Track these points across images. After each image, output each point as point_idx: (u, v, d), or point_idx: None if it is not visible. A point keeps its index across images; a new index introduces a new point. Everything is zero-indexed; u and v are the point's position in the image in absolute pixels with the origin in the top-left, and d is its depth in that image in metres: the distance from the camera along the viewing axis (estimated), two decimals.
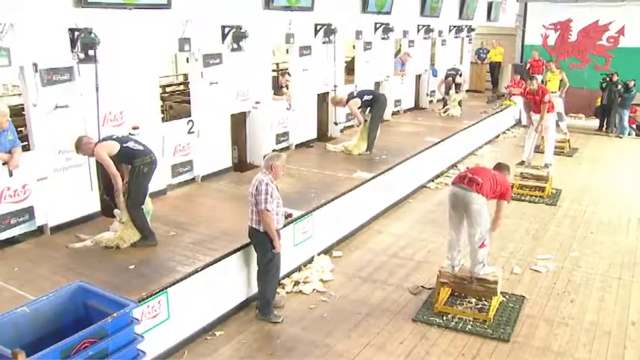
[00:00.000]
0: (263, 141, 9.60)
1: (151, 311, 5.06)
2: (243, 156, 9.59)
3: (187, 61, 8.64)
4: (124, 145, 6.06)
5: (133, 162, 6.00)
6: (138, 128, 7.18)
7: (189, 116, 8.38)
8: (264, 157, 9.19)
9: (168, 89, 12.90)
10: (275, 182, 5.78)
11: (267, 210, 5.63)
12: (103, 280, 5.21)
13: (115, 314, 4.05)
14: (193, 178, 8.45)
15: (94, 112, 6.69)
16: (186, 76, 12.92)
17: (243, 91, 9.10)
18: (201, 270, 5.60)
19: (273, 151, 9.97)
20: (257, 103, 9.39)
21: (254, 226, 5.78)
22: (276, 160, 5.77)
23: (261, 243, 5.82)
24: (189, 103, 8.69)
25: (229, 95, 8.83)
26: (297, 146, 10.66)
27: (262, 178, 5.69)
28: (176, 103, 10.68)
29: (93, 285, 4.50)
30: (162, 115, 9.14)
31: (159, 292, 5.15)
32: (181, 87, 13.18)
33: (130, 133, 6.94)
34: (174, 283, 5.32)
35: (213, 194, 8.04)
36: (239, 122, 9.38)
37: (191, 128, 8.30)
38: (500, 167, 6.43)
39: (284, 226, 6.18)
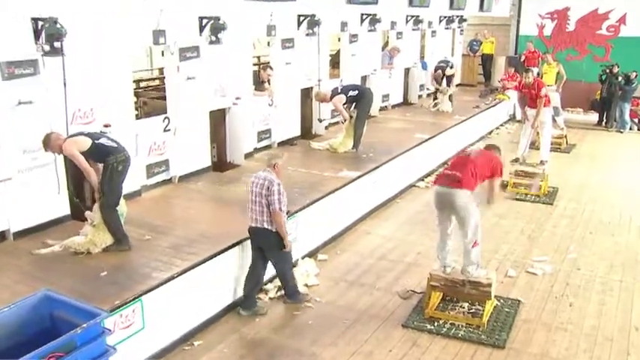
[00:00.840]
0: (244, 139, 9.57)
1: (124, 321, 4.99)
2: (223, 155, 9.55)
3: (162, 55, 8.57)
4: (97, 141, 5.98)
5: (107, 159, 5.91)
6: (110, 126, 7.10)
7: (165, 113, 8.32)
8: (244, 156, 9.28)
9: (142, 84, 12.80)
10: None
11: (282, 210, 5.93)
12: (72, 289, 5.13)
13: (84, 325, 3.97)
14: (170, 179, 8.39)
15: (62, 109, 6.59)
16: (161, 70, 12.83)
17: (222, 87, 9.05)
18: (178, 276, 5.54)
19: (254, 149, 9.99)
20: (237, 98, 9.35)
21: (266, 226, 5.99)
22: (279, 159, 6.14)
23: (273, 242, 6.07)
24: (165, 99, 8.61)
25: (207, 91, 8.78)
26: (280, 144, 10.64)
27: (272, 178, 5.96)
28: (151, 99, 10.58)
29: (60, 294, 4.42)
30: (136, 112, 9.09)
31: (133, 300, 5.08)
32: (156, 82, 13.07)
33: (101, 131, 6.85)
34: (149, 291, 5.25)
35: (191, 195, 7.99)
36: (218, 119, 9.34)
37: (167, 126, 8.23)
38: (489, 147, 6.50)
39: None
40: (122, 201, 6.20)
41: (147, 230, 6.58)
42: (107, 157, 5.92)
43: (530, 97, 10.63)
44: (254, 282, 6.24)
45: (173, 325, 5.56)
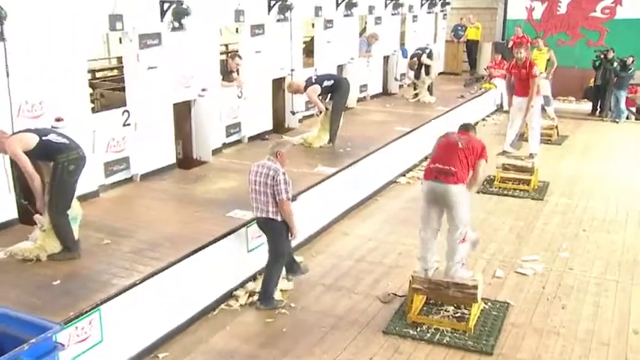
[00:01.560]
0: (211, 134, 9.53)
1: (80, 334, 4.93)
2: (189, 151, 9.50)
3: (120, 42, 8.48)
4: (44, 138, 5.82)
5: (56, 158, 5.79)
6: (62, 120, 6.99)
7: (125, 106, 8.23)
8: (212, 152, 9.24)
9: (98, 74, 12.65)
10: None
11: (289, 199, 6.22)
12: (19, 300, 5.06)
13: (33, 340, 3.90)
14: (131, 177, 8.32)
15: (6, 102, 6.47)
16: (119, 59, 12.69)
17: (186, 77, 8.98)
18: (140, 283, 5.49)
19: (223, 144, 9.94)
20: (203, 90, 9.29)
21: (272, 216, 6.26)
22: (282, 148, 6.38)
23: (280, 232, 6.36)
24: (124, 91, 8.53)
25: (171, 82, 8.71)
26: (251, 139, 10.60)
27: (277, 168, 6.20)
28: (109, 90, 10.48)
29: (6, 306, 4.35)
30: (93, 105, 8.96)
31: (90, 310, 5.02)
32: (115, 72, 12.93)
33: (52, 126, 6.74)
34: (108, 300, 5.19)
35: (155, 195, 7.94)
36: (183, 113, 9.28)
37: (127, 120, 8.15)
38: (465, 129, 6.49)
39: None
40: (76, 203, 6.10)
41: (106, 234, 6.51)
42: (57, 155, 5.78)
43: (520, 78, 10.41)
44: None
45: (135, 337, 5.49)
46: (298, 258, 7.31)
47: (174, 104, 8.90)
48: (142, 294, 5.50)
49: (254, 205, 6.36)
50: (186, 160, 9.37)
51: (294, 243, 7.17)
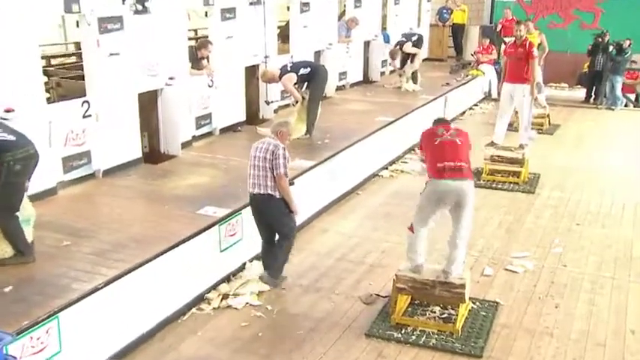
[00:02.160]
0: (180, 125, 9.47)
1: (35, 344, 4.85)
2: (156, 144, 9.45)
3: (78, 26, 8.35)
4: None
5: (1, 157, 5.60)
6: (13, 111, 6.87)
7: (84, 96, 8.13)
8: (181, 145, 9.16)
9: (54, 62, 12.50)
10: None
11: (287, 175, 6.51)
12: None
13: None
14: (92, 173, 8.22)
15: None
16: (77, 44, 12.54)
17: (152, 65, 8.89)
18: (103, 287, 5.42)
19: (193, 137, 9.89)
20: (171, 79, 9.23)
21: (270, 192, 6.55)
22: (284, 127, 6.77)
23: (280, 210, 6.66)
24: (84, 80, 8.42)
25: (135, 70, 8.61)
26: (223, 131, 10.57)
27: (277, 143, 6.57)
28: (66, 79, 10.33)
29: None
30: (48, 95, 8.87)
31: (47, 318, 4.94)
32: (72, 59, 12.78)
33: (2, 118, 6.62)
34: (67, 306, 5.11)
35: (119, 192, 7.87)
36: (149, 103, 9.21)
37: (87, 111, 8.05)
38: (446, 123, 6.61)
39: None
40: (28, 204, 5.99)
41: (65, 235, 6.42)
42: (1, 154, 5.58)
43: (516, 57, 10.36)
44: (272, 257, 6.92)
45: (98, 346, 5.43)
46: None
47: (139, 94, 8.81)
48: (105, 299, 5.43)
49: (251, 181, 6.64)
50: (153, 155, 9.30)
51: (248, 255, 7.24)
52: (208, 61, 10.26)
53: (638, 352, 5.81)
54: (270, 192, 6.57)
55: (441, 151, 6.18)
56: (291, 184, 7.01)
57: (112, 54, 8.19)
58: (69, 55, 13.30)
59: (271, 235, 6.89)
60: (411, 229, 6.24)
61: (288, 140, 6.82)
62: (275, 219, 6.76)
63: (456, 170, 6.00)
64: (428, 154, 6.31)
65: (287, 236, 6.84)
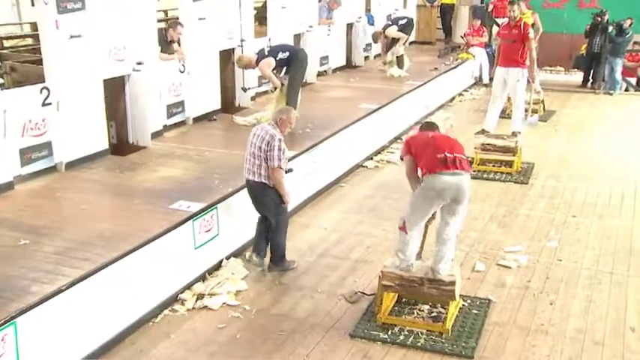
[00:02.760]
0: (149, 114, 9.41)
1: None
2: (124, 135, 9.41)
3: (33, 5, 8.20)
4: None
5: None
6: None
7: (43, 82, 8.05)
8: (151, 135, 9.13)
9: (7, 43, 12.31)
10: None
11: (281, 168, 6.83)
12: None
13: None
14: (54, 166, 8.17)
15: None
16: (34, 25, 12.35)
17: (118, 48, 8.83)
18: (67, 289, 5.37)
19: (164, 126, 9.84)
20: (139, 64, 9.17)
21: (263, 181, 6.89)
22: (284, 114, 7.02)
23: (273, 199, 7.00)
24: (42, 64, 8.30)
25: (99, 53, 8.55)
26: (196, 120, 10.55)
27: (274, 133, 6.82)
28: (22, 63, 10.21)
29: None
30: (2, 81, 8.77)
31: (3, 324, 4.88)
32: (29, 41, 12.61)
33: None
34: (26, 310, 5.05)
35: (84, 186, 7.82)
36: (116, 90, 9.17)
37: (47, 98, 7.97)
38: (432, 127, 6.63)
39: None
40: None
41: (23, 233, 6.37)
42: None
43: (510, 39, 10.37)
44: (263, 242, 7.25)
45: (60, 353, 5.38)
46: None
47: (104, 80, 8.74)
48: (68, 302, 5.38)
49: (246, 166, 6.98)
50: (120, 146, 9.26)
51: (225, 252, 7.29)
52: (179, 44, 10.21)
53: (638, 351, 5.85)
54: (263, 181, 6.89)
55: (437, 143, 6.17)
56: (290, 170, 7.37)
57: (72, 36, 8.11)
58: (24, 37, 13.09)
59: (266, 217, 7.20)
60: (403, 229, 6.19)
61: (289, 128, 7.09)
62: (267, 208, 7.07)
63: (456, 163, 5.98)
64: (423, 152, 6.16)
65: (278, 225, 7.11)
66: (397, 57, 14.71)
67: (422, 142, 6.26)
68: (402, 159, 6.41)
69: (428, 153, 6.11)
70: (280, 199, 7.01)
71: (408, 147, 6.29)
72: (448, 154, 5.99)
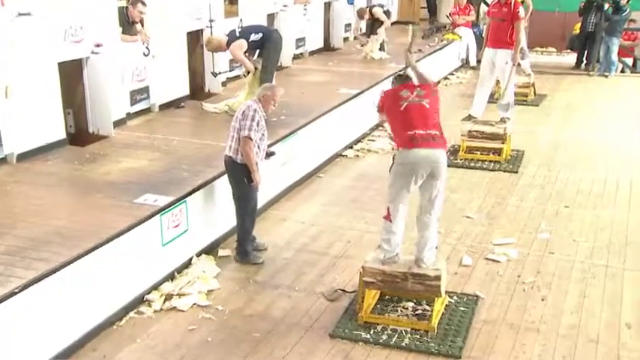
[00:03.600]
0: (111, 101, 9.35)
1: None
2: (83, 123, 9.35)
3: None
4: None
5: None
6: None
7: None
8: (113, 124, 9.06)
9: None
10: (264, 113, 7.14)
11: (250, 138, 6.87)
12: None
13: None
14: (4, 158, 8.08)
15: None
16: None
17: (74, 28, 8.73)
18: (20, 291, 5.32)
19: (127, 114, 9.78)
20: (98, 46, 9.10)
21: (231, 155, 7.05)
22: (268, 91, 7.22)
23: (240, 176, 7.10)
24: None
25: (53, 34, 8.45)
26: (163, 107, 10.53)
27: (251, 104, 7.04)
28: None
29: None
30: None
31: None
32: None
33: None
34: None
35: (38, 180, 7.74)
36: (73, 75, 9.09)
37: None
38: (405, 82, 6.54)
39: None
40: None
41: None
42: None
43: (500, 18, 10.41)
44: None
45: None
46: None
47: (59, 63, 8.63)
48: (22, 306, 5.33)
49: (226, 142, 7.16)
50: (80, 135, 9.19)
51: (194, 249, 7.29)
52: (143, 25, 10.15)
53: (635, 349, 5.90)
54: (231, 154, 7.05)
55: (408, 117, 6.17)
56: (272, 154, 7.69)
57: (21, 14, 7.97)
58: None
59: None
60: (387, 217, 6.22)
61: (273, 106, 7.24)
62: (232, 186, 7.25)
63: (428, 139, 6.00)
64: (393, 122, 6.33)
65: (241, 206, 7.25)
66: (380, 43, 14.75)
67: (393, 109, 6.27)
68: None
69: (398, 127, 6.20)
70: (249, 177, 7.04)
71: (382, 105, 6.49)
72: (419, 132, 6.03)
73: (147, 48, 10.13)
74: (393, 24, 16.75)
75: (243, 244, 7.36)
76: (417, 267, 6.12)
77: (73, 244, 5.99)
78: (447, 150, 6.18)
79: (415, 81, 6.48)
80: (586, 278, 7.07)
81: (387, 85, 12.16)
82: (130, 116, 9.93)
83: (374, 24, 14.85)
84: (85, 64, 9.18)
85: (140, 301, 6.52)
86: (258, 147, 7.06)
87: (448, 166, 9.82)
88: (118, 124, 9.52)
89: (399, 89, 6.38)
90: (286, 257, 7.53)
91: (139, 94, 10.12)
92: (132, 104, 10.01)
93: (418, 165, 5.99)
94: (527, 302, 6.61)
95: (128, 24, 9.97)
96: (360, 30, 15.30)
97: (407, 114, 6.17)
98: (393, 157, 6.21)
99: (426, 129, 6.04)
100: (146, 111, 10.27)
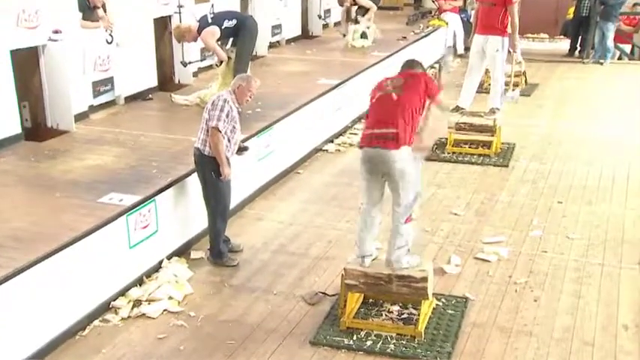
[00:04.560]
0: (71, 93, 9.31)
1: None
2: (41, 117, 9.33)
3: None
4: None
5: None
6: None
7: None
8: (74, 118, 9.02)
9: None
10: (238, 106, 7.14)
11: (219, 129, 6.89)
12: None
13: None
14: None
15: None
16: None
17: (28, 13, 8.67)
18: None
19: (90, 107, 9.73)
20: (56, 32, 9.05)
21: (199, 146, 7.09)
22: (243, 81, 7.20)
23: (206, 168, 7.14)
24: None
25: (4, 19, 8.37)
26: (129, 99, 10.50)
27: (223, 94, 7.09)
28: None
29: None
30: None
31: None
32: None
33: None
34: None
35: None
36: (29, 64, 9.05)
37: None
38: (409, 67, 6.64)
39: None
40: None
41: None
42: None
43: (491, 3, 10.41)
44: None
45: None
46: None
47: (12, 51, 8.56)
48: None
49: (198, 134, 7.20)
50: (37, 130, 9.17)
51: (166, 251, 7.29)
52: (105, 10, 10.09)
53: (632, 352, 5.95)
54: (199, 146, 7.10)
55: (372, 111, 6.26)
56: (245, 149, 7.69)
57: None
58: None
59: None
60: (360, 213, 6.31)
61: (248, 98, 7.21)
62: (202, 182, 7.27)
63: (381, 138, 6.02)
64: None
65: (209, 204, 7.28)
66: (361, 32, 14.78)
67: (370, 101, 6.35)
68: None
69: (365, 123, 6.33)
70: (217, 171, 7.06)
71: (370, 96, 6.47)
72: (376, 131, 6.07)
73: (110, 35, 10.08)
74: (379, 8, 16.83)
75: (216, 246, 7.35)
76: (390, 269, 6.14)
77: (30, 248, 5.95)
78: (412, 145, 6.06)
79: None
80: (581, 278, 7.12)
81: (369, 75, 12.35)
82: (92, 109, 9.89)
83: (354, 10, 14.86)
84: (41, 52, 9.12)
85: (106, 308, 6.50)
86: (229, 140, 7.06)
87: (434, 160, 10.10)
88: (79, 117, 9.49)
89: (388, 78, 6.45)
90: (263, 259, 7.53)
91: (103, 85, 10.07)
92: (95, 96, 9.96)
93: (370, 163, 6.11)
94: (519, 304, 6.65)
95: (89, 9, 9.92)
96: (351, 17, 15.26)
97: (373, 107, 6.29)
98: None
99: (385, 126, 6.05)
100: (110, 104, 10.23)
